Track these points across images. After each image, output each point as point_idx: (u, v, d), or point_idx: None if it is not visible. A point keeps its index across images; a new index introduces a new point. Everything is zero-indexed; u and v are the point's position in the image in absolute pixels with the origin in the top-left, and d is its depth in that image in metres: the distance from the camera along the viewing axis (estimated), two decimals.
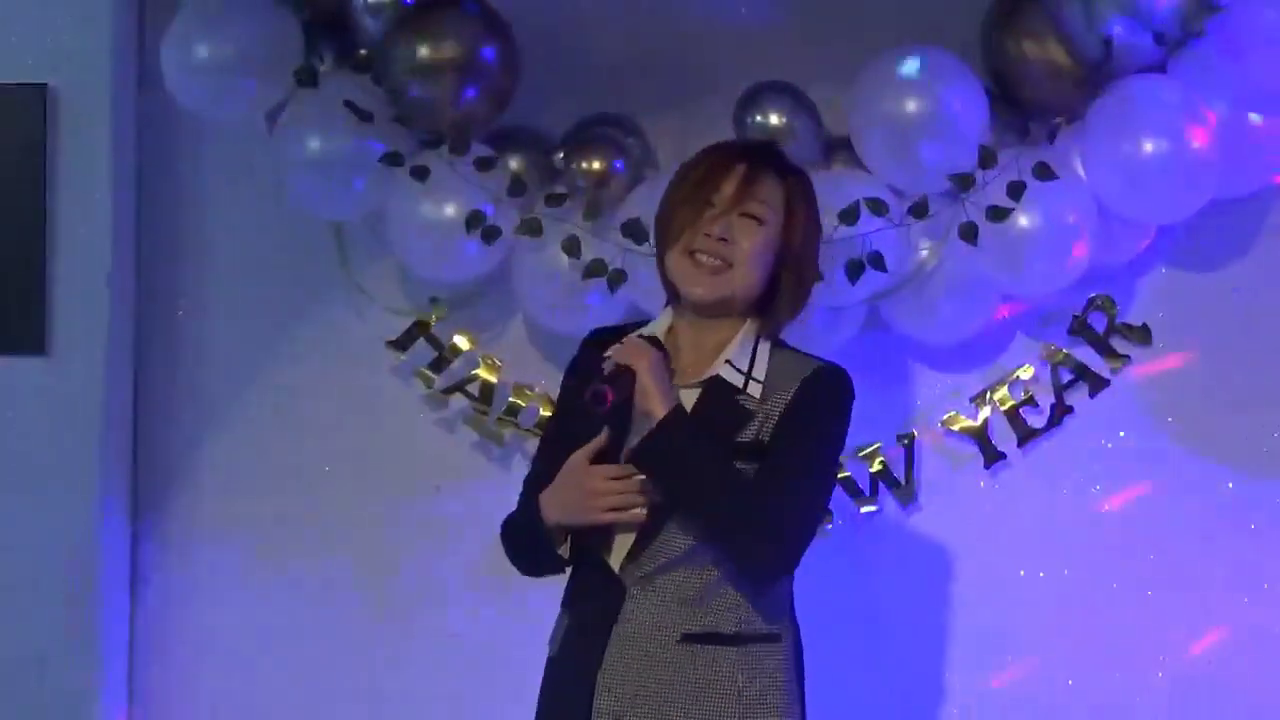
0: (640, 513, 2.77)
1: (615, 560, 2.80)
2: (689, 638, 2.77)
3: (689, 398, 2.82)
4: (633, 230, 3.45)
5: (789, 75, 3.65)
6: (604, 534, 2.81)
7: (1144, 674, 3.74)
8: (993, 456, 3.75)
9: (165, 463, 3.89)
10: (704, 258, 2.81)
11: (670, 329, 2.90)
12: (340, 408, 3.86)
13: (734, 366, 2.82)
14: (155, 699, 3.88)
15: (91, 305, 3.75)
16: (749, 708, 2.76)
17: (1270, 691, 3.71)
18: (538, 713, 2.90)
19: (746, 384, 2.81)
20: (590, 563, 2.84)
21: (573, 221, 3.57)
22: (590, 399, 2.72)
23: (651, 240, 2.98)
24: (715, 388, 2.81)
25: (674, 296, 2.89)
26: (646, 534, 2.77)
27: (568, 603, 2.91)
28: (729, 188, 2.82)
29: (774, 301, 2.86)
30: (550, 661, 2.90)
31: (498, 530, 2.98)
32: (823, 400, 2.83)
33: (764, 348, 2.86)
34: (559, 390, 3.02)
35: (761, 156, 2.88)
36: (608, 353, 2.82)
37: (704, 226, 2.80)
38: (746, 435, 2.79)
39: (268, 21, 3.61)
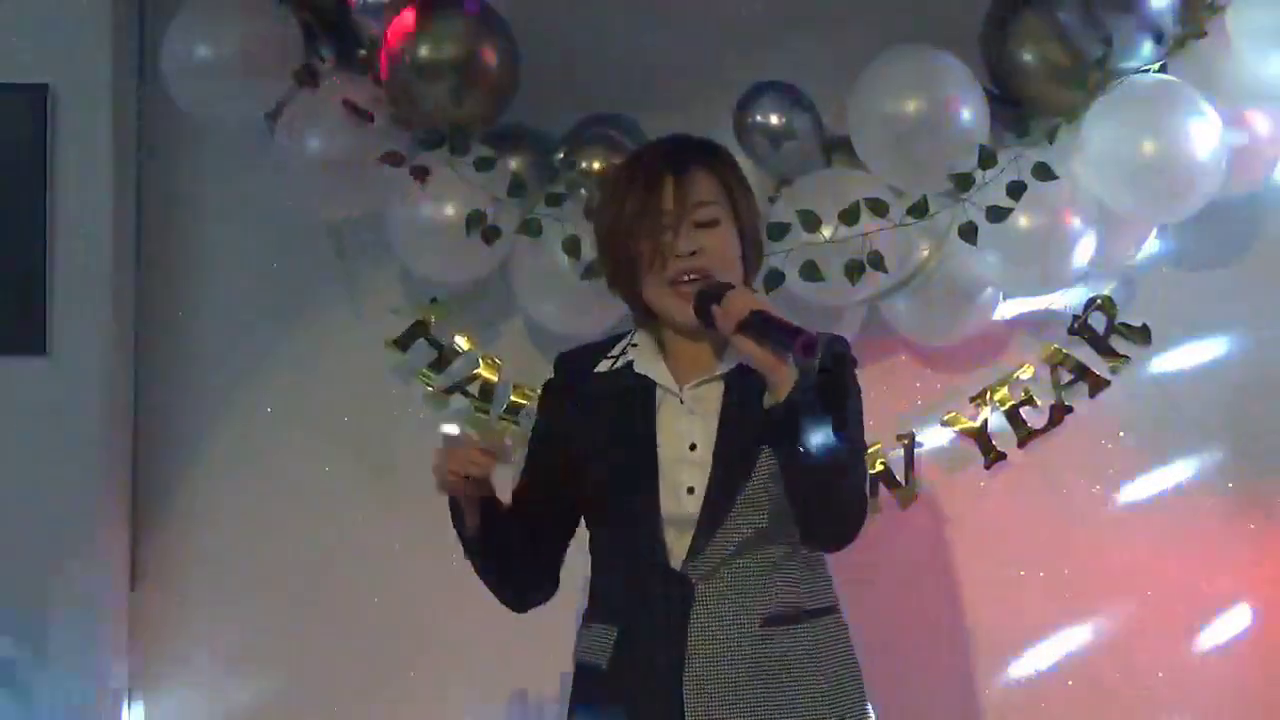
0: (464, 477, 2.73)
1: (675, 559, 2.79)
2: (766, 621, 2.78)
3: (715, 390, 2.82)
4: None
5: (789, 75, 3.65)
6: (654, 534, 2.79)
7: (1144, 674, 3.74)
8: (993, 456, 3.75)
9: (165, 463, 3.89)
10: (684, 279, 2.79)
11: (660, 336, 2.89)
12: (340, 408, 3.86)
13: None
14: (155, 699, 3.88)
15: (91, 305, 3.75)
16: (829, 682, 2.80)
17: (1271, 691, 3.71)
18: None
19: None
20: (639, 568, 2.81)
21: (573, 221, 3.57)
22: (804, 348, 2.61)
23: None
24: (740, 378, 2.81)
25: (653, 319, 2.87)
26: (707, 528, 2.77)
27: (609, 614, 2.86)
28: (669, 203, 2.80)
29: (746, 279, 2.86)
30: (597, 675, 2.85)
31: None
32: (847, 371, 2.83)
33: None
34: (537, 413, 3.00)
35: (681, 157, 2.85)
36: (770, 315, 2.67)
37: (670, 249, 2.79)
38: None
39: (268, 21, 3.61)
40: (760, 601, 2.79)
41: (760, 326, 2.66)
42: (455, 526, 2.84)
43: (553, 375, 2.98)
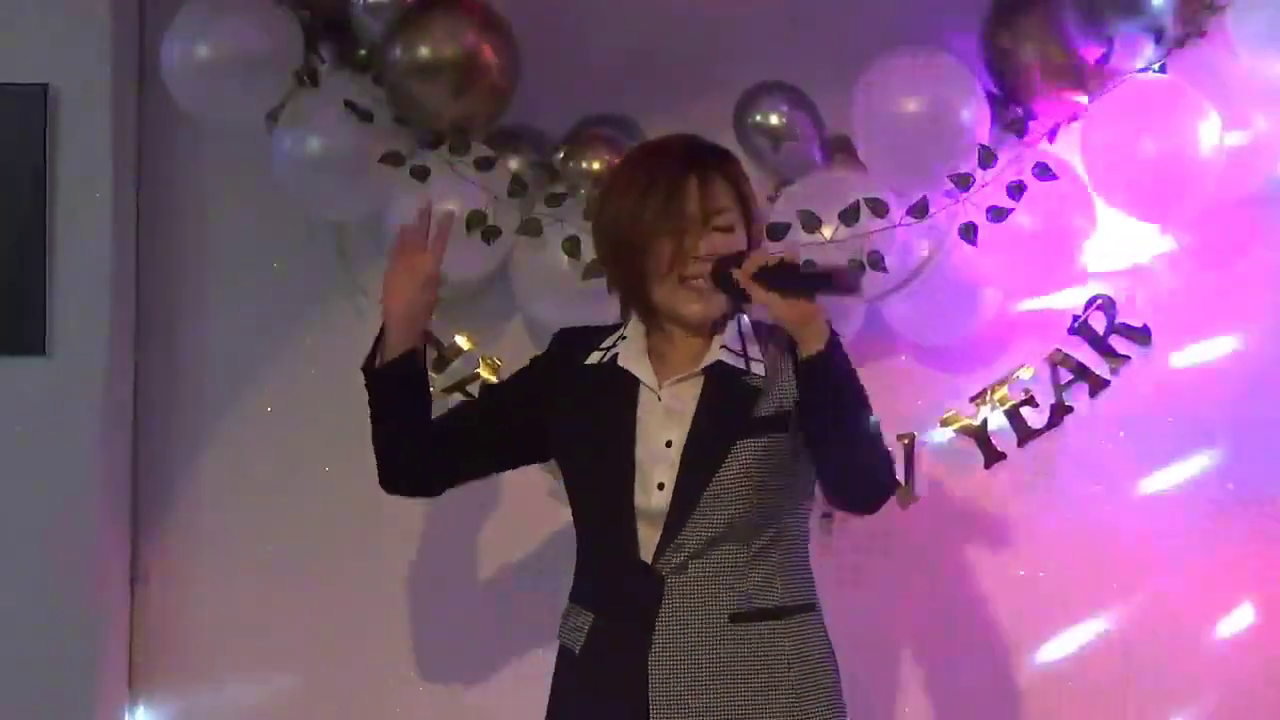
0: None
1: (646, 552, 2.81)
2: (736, 617, 2.80)
3: (692, 387, 2.84)
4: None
5: (789, 75, 3.65)
6: (627, 528, 2.81)
7: (1145, 674, 3.74)
8: (993, 456, 3.75)
9: (165, 463, 3.89)
10: (697, 279, 2.81)
11: (647, 334, 2.91)
12: (340, 408, 3.85)
13: (730, 350, 2.85)
14: (155, 699, 3.88)
15: (91, 305, 3.74)
16: (801, 681, 2.81)
17: (1272, 691, 3.71)
18: (562, 709, 2.92)
19: (748, 364, 2.84)
20: (613, 559, 2.85)
21: (573, 221, 3.57)
22: (848, 278, 2.66)
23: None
24: (718, 374, 2.84)
25: (648, 316, 2.89)
26: (675, 523, 2.79)
27: (588, 600, 2.90)
28: (693, 206, 2.81)
29: None
30: (572, 659, 2.89)
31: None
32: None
33: (746, 327, 2.90)
34: (528, 364, 3.06)
35: (702, 160, 2.86)
36: (784, 257, 2.72)
37: (689, 252, 2.81)
38: (765, 410, 2.81)
39: (268, 21, 3.61)
40: (729, 597, 2.80)
41: (784, 273, 2.68)
42: (371, 363, 3.01)
43: (550, 346, 3.02)
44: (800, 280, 2.70)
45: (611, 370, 2.89)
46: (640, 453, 2.82)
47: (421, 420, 3.01)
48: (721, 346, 2.85)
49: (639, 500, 2.81)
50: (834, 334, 2.75)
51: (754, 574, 2.82)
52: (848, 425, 2.78)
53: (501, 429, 3.00)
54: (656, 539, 2.80)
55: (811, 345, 2.72)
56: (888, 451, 2.87)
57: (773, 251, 2.81)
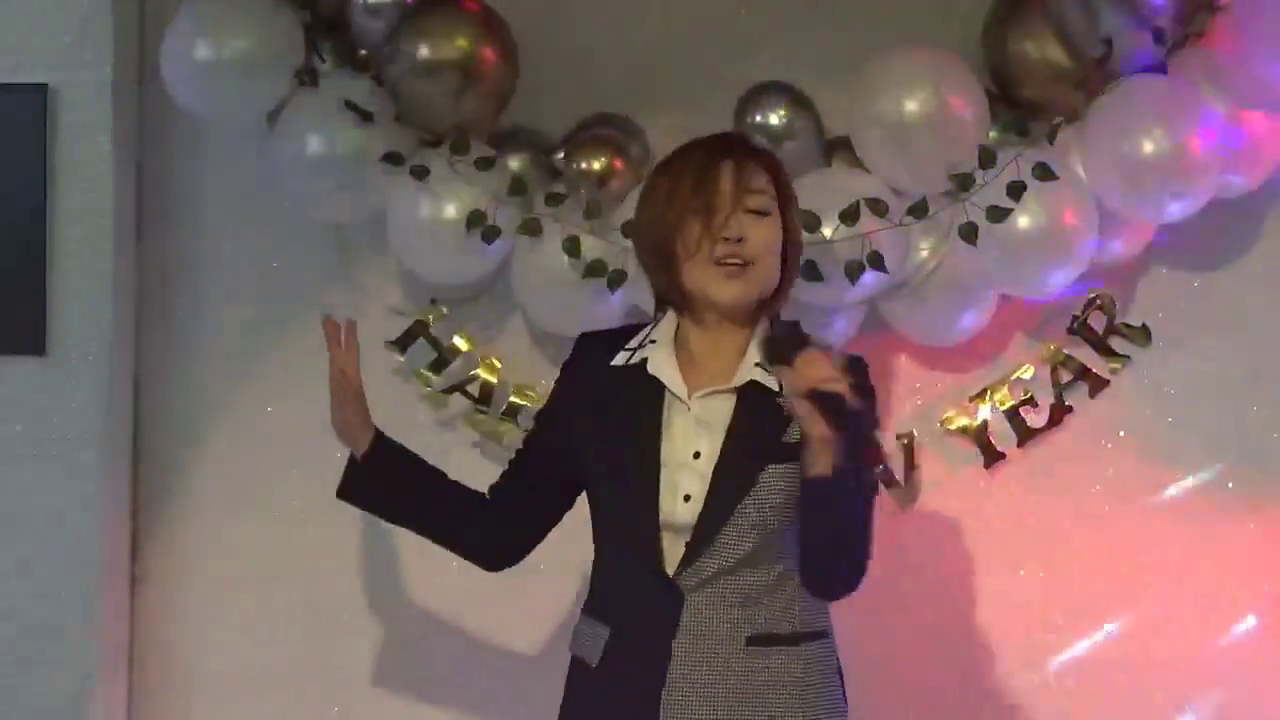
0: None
1: (669, 565, 2.79)
2: (753, 640, 2.78)
3: (725, 402, 2.82)
4: (633, 230, 3.45)
5: (789, 75, 3.65)
6: (651, 538, 2.79)
7: (1144, 674, 3.74)
8: (993, 456, 3.75)
9: (165, 463, 3.89)
10: (727, 261, 2.80)
11: (677, 334, 2.89)
12: None
13: (765, 369, 2.82)
14: (155, 699, 3.88)
15: (91, 305, 3.74)
16: (810, 707, 2.79)
17: (1272, 692, 3.71)
18: None
19: (781, 385, 2.81)
20: (633, 570, 2.82)
21: (573, 221, 3.57)
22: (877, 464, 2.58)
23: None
24: (752, 393, 2.82)
25: (683, 306, 2.87)
26: (702, 539, 2.76)
27: (603, 612, 2.87)
28: (726, 185, 2.80)
29: (780, 287, 2.88)
30: (587, 672, 2.87)
31: None
32: (866, 399, 2.85)
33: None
34: (554, 385, 3.03)
35: (740, 148, 2.87)
36: (829, 386, 2.62)
37: (718, 232, 2.79)
38: (794, 436, 2.77)
39: (268, 21, 3.61)
40: (749, 619, 2.78)
41: (836, 411, 2.60)
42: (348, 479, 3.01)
43: (573, 353, 2.99)
44: (840, 422, 2.61)
45: (638, 373, 2.86)
46: (666, 460, 2.79)
47: (442, 492, 3.02)
48: (755, 364, 2.82)
49: (664, 510, 2.77)
50: (841, 468, 2.66)
51: (774, 599, 2.79)
52: (831, 544, 2.75)
53: (556, 476, 2.96)
54: (680, 552, 2.77)
55: (818, 468, 2.66)
56: (864, 562, 2.78)
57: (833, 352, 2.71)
